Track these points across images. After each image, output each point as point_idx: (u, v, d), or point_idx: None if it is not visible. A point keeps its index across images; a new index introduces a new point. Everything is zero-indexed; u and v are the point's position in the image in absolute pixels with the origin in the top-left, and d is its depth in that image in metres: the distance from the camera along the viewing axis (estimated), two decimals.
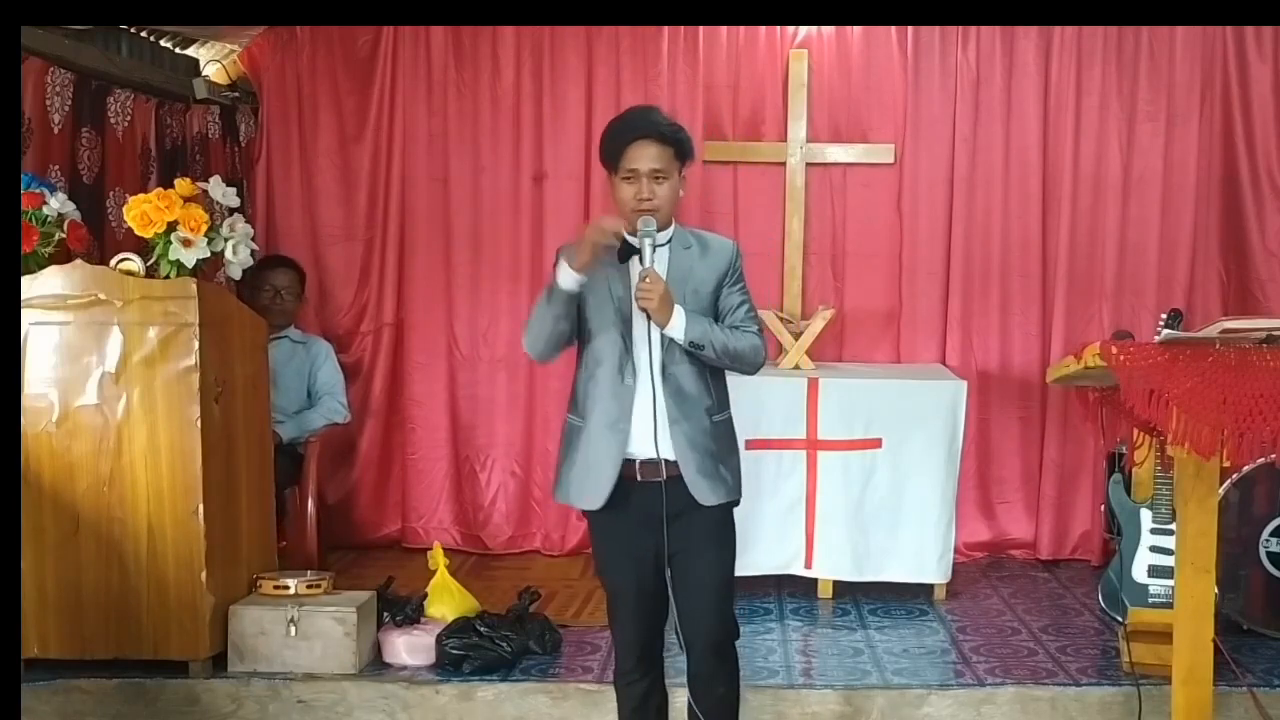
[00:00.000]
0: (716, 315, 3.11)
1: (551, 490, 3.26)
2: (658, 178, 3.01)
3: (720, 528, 3.12)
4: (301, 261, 5.52)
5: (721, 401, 3.15)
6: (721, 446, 3.11)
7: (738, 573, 4.78)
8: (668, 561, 3.03)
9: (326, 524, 5.10)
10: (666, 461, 3.03)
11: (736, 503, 3.15)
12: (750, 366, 3.11)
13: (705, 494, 3.05)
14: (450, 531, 5.59)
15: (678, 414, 3.03)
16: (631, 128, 3.05)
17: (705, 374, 3.09)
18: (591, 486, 3.11)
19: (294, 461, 4.87)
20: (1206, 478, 3.12)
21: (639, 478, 3.05)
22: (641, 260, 2.96)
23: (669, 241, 3.10)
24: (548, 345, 3.11)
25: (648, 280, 2.94)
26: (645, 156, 3.01)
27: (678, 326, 2.98)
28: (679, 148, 3.05)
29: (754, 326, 3.14)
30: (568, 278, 3.00)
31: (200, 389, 3.83)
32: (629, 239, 3.01)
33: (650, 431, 3.01)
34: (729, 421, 3.17)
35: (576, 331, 3.12)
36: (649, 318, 2.97)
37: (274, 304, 4.94)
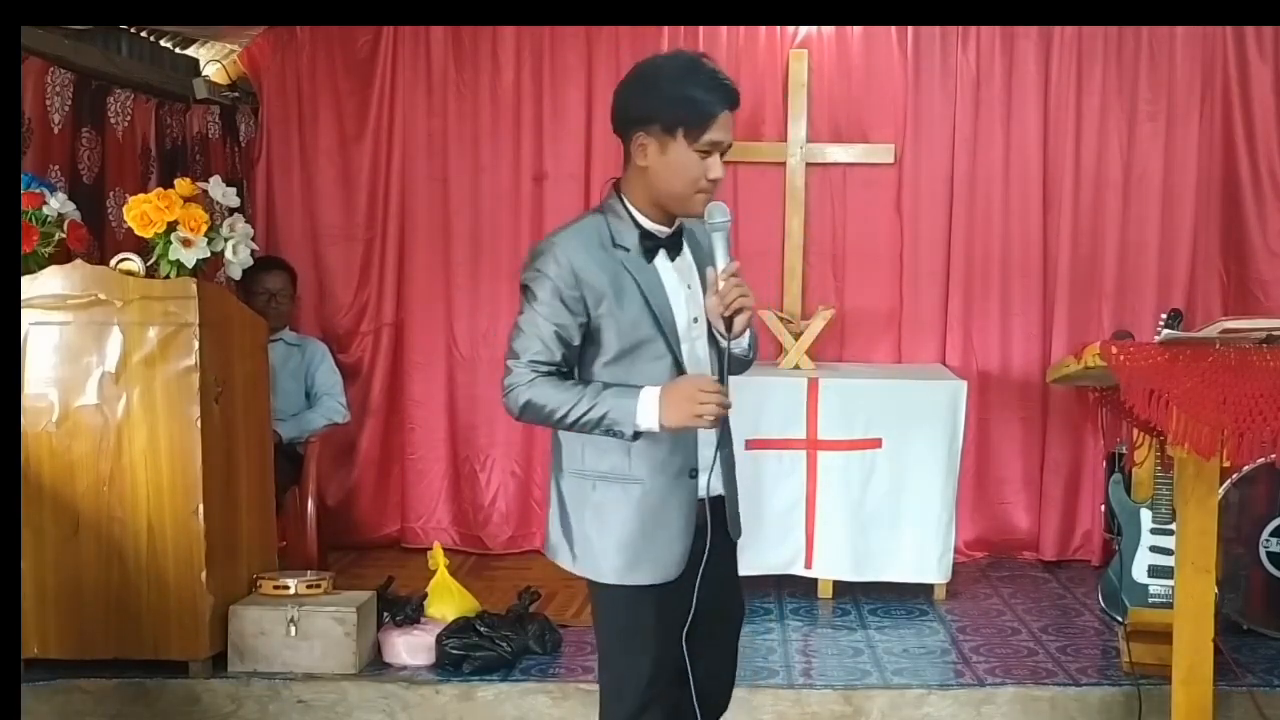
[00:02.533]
0: None
1: (601, 573, 2.53)
2: (725, 153, 2.44)
3: (735, 565, 2.71)
4: (301, 261, 5.52)
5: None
6: (733, 469, 2.66)
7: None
8: (695, 611, 2.46)
9: (326, 524, 5.10)
10: (714, 499, 2.54)
11: None
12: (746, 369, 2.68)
13: (735, 527, 2.64)
14: (449, 531, 5.60)
15: (723, 438, 2.52)
16: (724, 90, 2.40)
17: None
18: (667, 555, 2.48)
19: (294, 462, 4.87)
20: (1206, 478, 3.12)
21: (710, 523, 2.48)
22: (719, 259, 2.43)
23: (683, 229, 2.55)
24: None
25: (737, 281, 2.39)
26: (727, 130, 2.40)
27: (746, 334, 2.47)
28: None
29: None
30: (647, 423, 2.38)
31: (200, 389, 3.83)
32: (651, 228, 2.49)
33: (709, 468, 2.49)
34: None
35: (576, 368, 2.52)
36: (723, 331, 2.41)
37: (269, 307, 4.92)
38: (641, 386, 2.40)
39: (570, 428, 2.44)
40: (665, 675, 2.52)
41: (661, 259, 2.49)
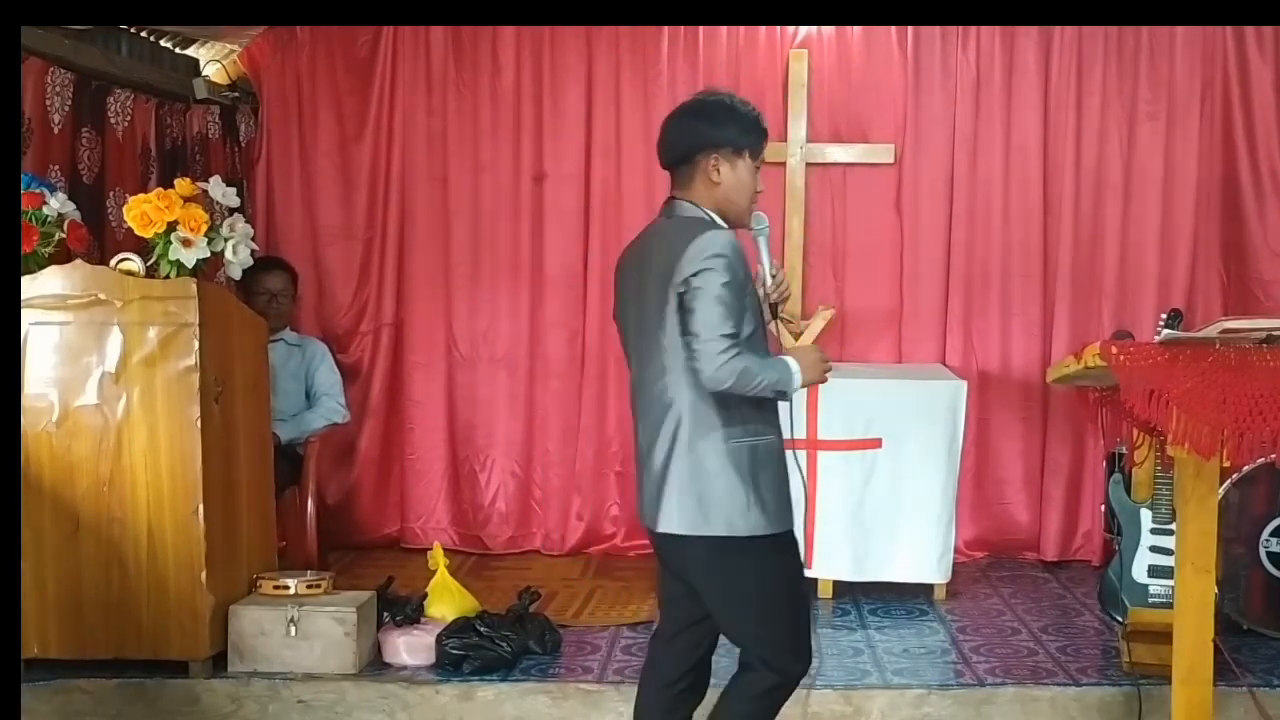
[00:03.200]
0: None
1: (758, 526, 2.83)
2: None
3: None
4: (301, 261, 5.52)
5: None
6: None
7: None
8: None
9: (326, 524, 5.10)
10: None
11: None
12: None
13: None
14: (448, 532, 5.59)
15: None
16: (763, 124, 3.00)
17: None
18: (790, 502, 2.93)
19: (293, 462, 4.87)
20: (1206, 478, 3.12)
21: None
22: (765, 258, 2.99)
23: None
24: None
25: (784, 273, 3.03)
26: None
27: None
28: None
29: None
30: (797, 384, 2.85)
31: (200, 389, 3.83)
32: (721, 224, 2.91)
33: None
34: None
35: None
36: (774, 310, 2.99)
37: (270, 308, 4.91)
38: (772, 356, 2.88)
39: (759, 391, 2.78)
40: (807, 599, 3.10)
41: (765, 247, 3.02)
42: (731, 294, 2.75)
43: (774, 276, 2.98)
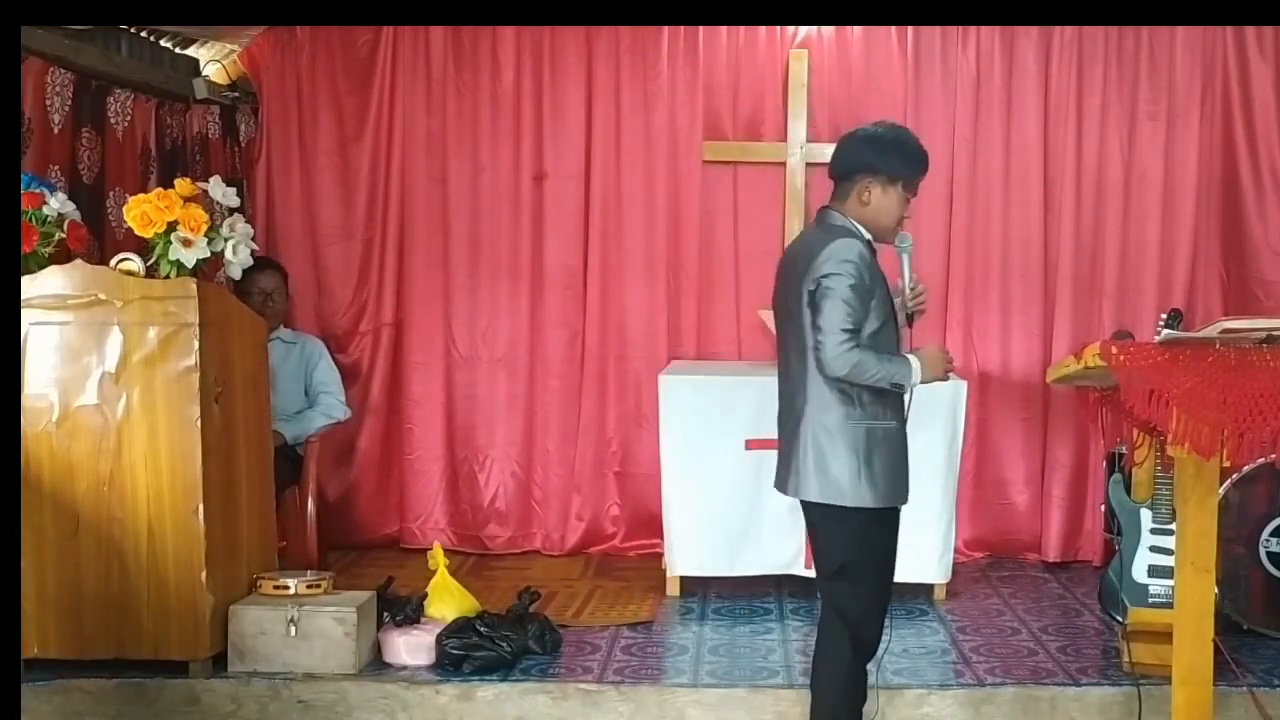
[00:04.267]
0: None
1: (865, 499, 3.23)
2: None
3: None
4: (301, 261, 5.54)
5: None
6: None
7: (738, 572, 4.81)
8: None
9: (326, 524, 5.10)
10: None
11: None
12: None
13: None
14: (446, 532, 5.58)
15: None
16: (925, 159, 3.34)
17: None
18: (906, 480, 3.31)
19: (294, 462, 4.87)
20: (1206, 478, 3.12)
21: None
22: (906, 272, 3.35)
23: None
24: None
25: (922, 286, 3.36)
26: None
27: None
28: None
29: None
30: (915, 380, 3.22)
31: (200, 389, 3.83)
32: (869, 238, 3.29)
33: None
34: None
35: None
36: (912, 320, 3.34)
37: (265, 307, 4.89)
38: (894, 355, 3.24)
39: (874, 382, 3.18)
40: (892, 579, 3.41)
41: (908, 262, 3.36)
42: (855, 296, 3.16)
43: (913, 289, 3.34)
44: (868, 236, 3.29)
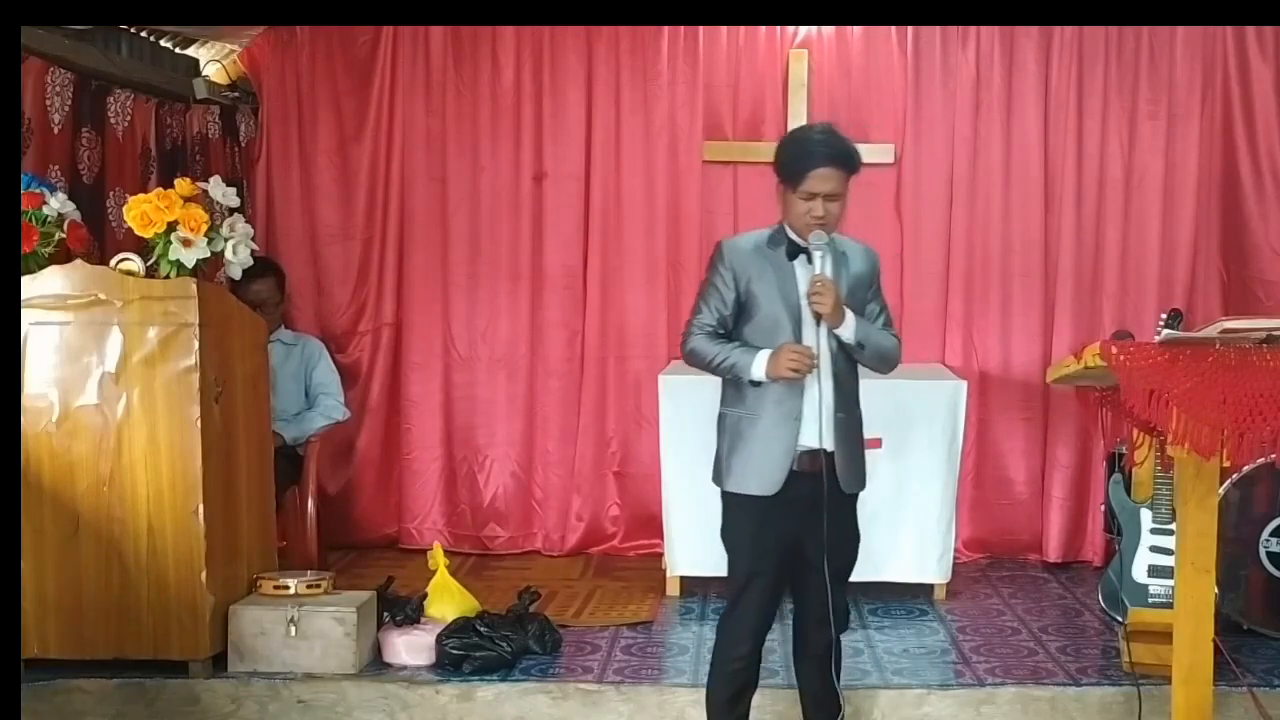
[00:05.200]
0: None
1: (718, 479, 3.35)
2: (831, 198, 3.20)
3: (853, 519, 3.38)
4: (300, 261, 5.54)
5: (859, 398, 3.38)
6: (860, 439, 3.37)
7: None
8: (811, 547, 3.23)
9: (326, 524, 5.10)
10: (826, 452, 3.24)
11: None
12: (890, 367, 3.40)
13: (850, 483, 3.29)
14: (445, 533, 5.57)
15: (839, 405, 3.26)
16: (812, 155, 3.20)
17: (855, 371, 3.32)
18: (767, 475, 3.24)
19: (294, 462, 4.87)
20: (1206, 478, 3.12)
21: (800, 468, 3.23)
22: (814, 267, 3.19)
23: (829, 244, 3.26)
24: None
25: (821, 285, 3.16)
26: (825, 181, 3.18)
27: (849, 327, 3.21)
28: (852, 168, 3.23)
29: (894, 330, 3.44)
30: (758, 375, 3.20)
31: (200, 389, 3.83)
32: (795, 239, 3.23)
33: (816, 422, 3.22)
34: (862, 416, 3.40)
35: (734, 332, 3.33)
36: (818, 319, 3.18)
37: (262, 312, 4.85)
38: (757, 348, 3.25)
39: (714, 371, 3.30)
40: (771, 581, 3.30)
41: (800, 262, 3.23)
42: (710, 290, 3.32)
43: (810, 289, 3.20)
44: (791, 236, 3.28)
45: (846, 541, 3.35)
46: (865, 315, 3.33)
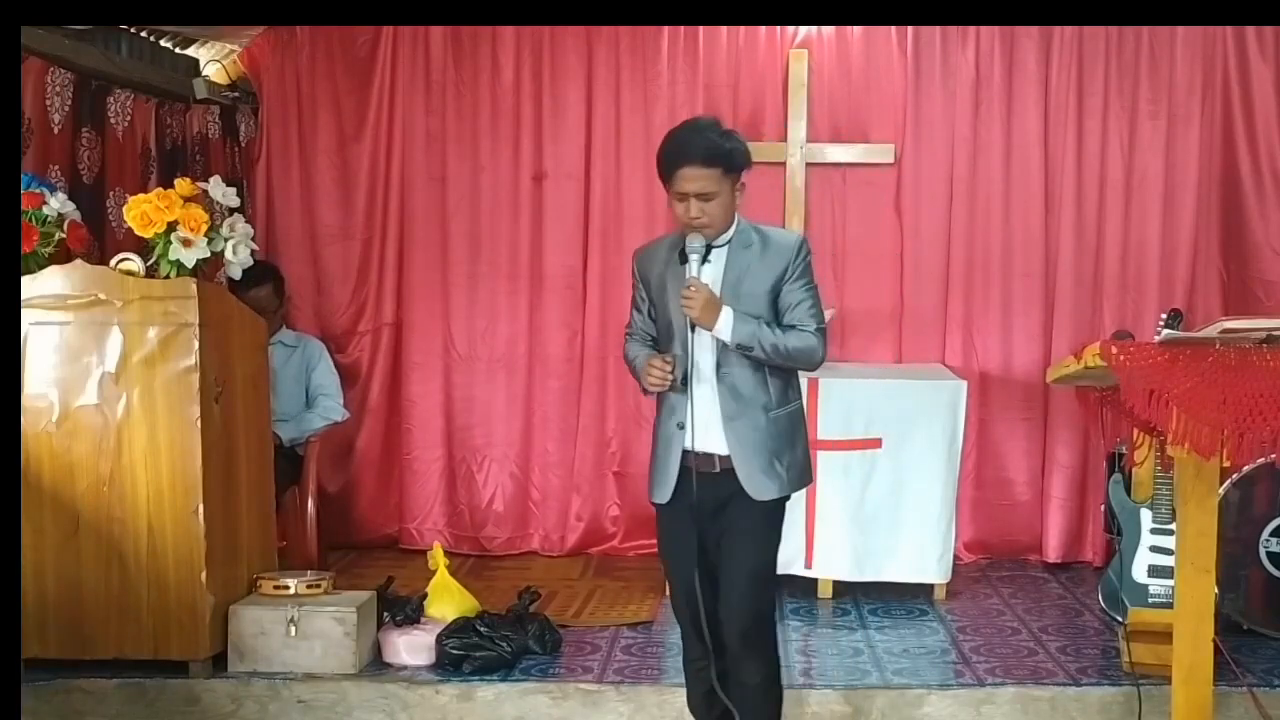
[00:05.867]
0: (778, 312, 3.16)
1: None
2: (705, 197, 3.07)
3: (762, 521, 3.20)
4: (300, 261, 5.54)
5: (783, 397, 3.21)
6: (780, 441, 3.19)
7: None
8: (714, 549, 3.19)
9: (326, 524, 5.10)
10: (720, 456, 3.16)
11: (788, 496, 3.25)
12: (806, 365, 3.22)
13: (757, 488, 3.15)
14: (445, 533, 5.57)
15: (734, 411, 3.15)
16: (677, 153, 3.08)
17: (763, 371, 3.16)
18: (661, 481, 3.23)
19: (294, 462, 4.87)
20: (1206, 478, 3.12)
21: (695, 470, 3.16)
22: (689, 272, 3.09)
23: (729, 242, 3.17)
24: None
25: (691, 289, 3.06)
26: (691, 180, 3.06)
27: (724, 329, 3.08)
28: (726, 164, 3.08)
29: (812, 325, 3.17)
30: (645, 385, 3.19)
31: (200, 389, 3.83)
32: (691, 243, 3.12)
33: (704, 429, 3.13)
34: (792, 415, 3.24)
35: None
36: (692, 324, 3.09)
37: (262, 316, 4.82)
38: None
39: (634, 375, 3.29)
40: (687, 582, 3.19)
41: (694, 265, 3.10)
42: (635, 296, 3.35)
43: (682, 293, 3.10)
44: (689, 236, 3.16)
45: (750, 546, 3.19)
46: (782, 305, 3.17)
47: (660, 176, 3.14)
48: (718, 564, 3.20)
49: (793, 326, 3.15)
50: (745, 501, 3.16)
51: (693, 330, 3.11)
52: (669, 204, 3.16)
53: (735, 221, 3.18)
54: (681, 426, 3.16)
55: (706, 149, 3.07)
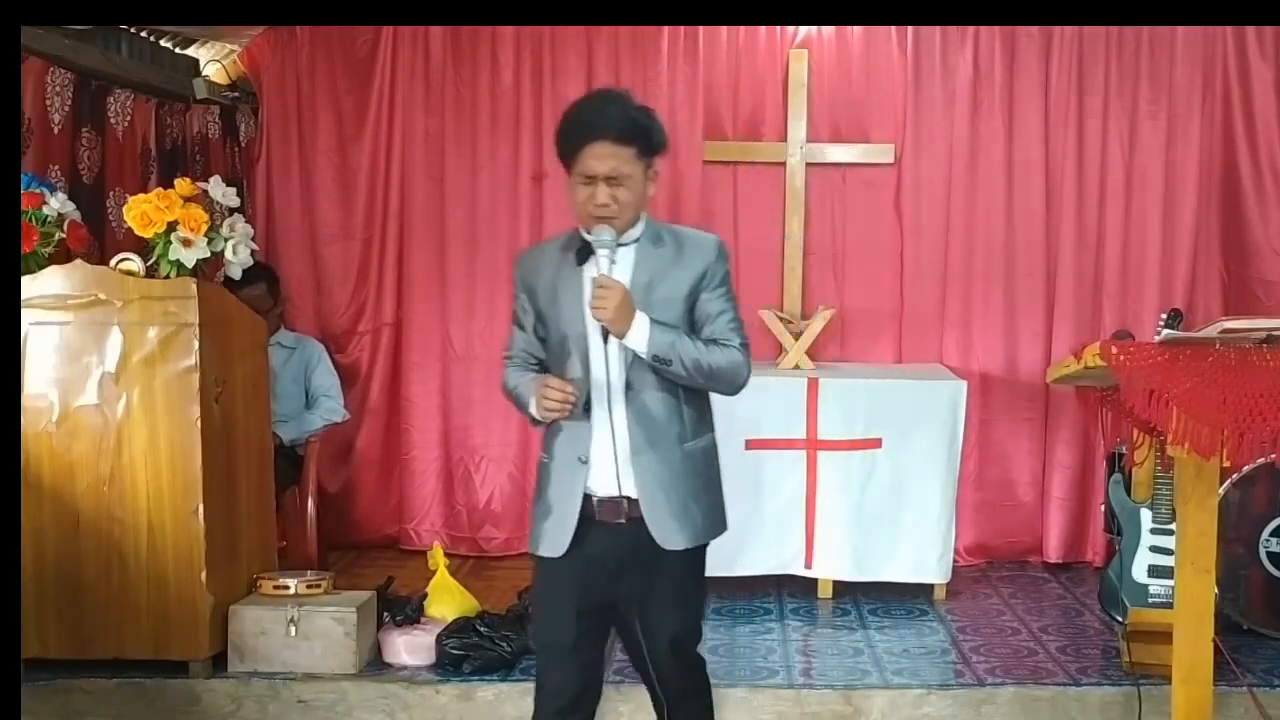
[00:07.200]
0: (693, 324, 2.72)
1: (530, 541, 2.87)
2: (616, 182, 2.63)
3: (682, 581, 2.78)
4: (300, 261, 5.54)
5: (697, 426, 2.76)
6: (695, 480, 2.74)
7: (738, 572, 4.80)
8: (625, 609, 2.76)
9: (326, 524, 5.10)
10: (628, 500, 2.69)
11: (706, 545, 2.81)
12: (729, 386, 2.73)
13: (669, 537, 2.70)
14: (443, 534, 5.56)
15: (642, 443, 2.68)
16: (586, 126, 2.63)
17: (677, 394, 2.71)
18: (555, 531, 2.72)
19: (293, 462, 4.87)
20: (1206, 478, 3.12)
21: (597, 518, 2.70)
22: (598, 269, 2.65)
23: (636, 240, 2.73)
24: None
25: (600, 286, 2.58)
26: (601, 159, 2.61)
27: (639, 337, 2.61)
28: (643, 143, 2.65)
29: (736, 340, 2.72)
30: (535, 413, 2.74)
31: (200, 389, 3.83)
32: (587, 237, 2.69)
33: (611, 465, 2.65)
34: (708, 449, 2.80)
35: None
36: (605, 331, 2.61)
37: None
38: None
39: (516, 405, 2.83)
40: (567, 655, 2.74)
41: (590, 265, 2.67)
42: (516, 310, 2.86)
43: (592, 295, 2.62)
44: (585, 235, 2.71)
45: (670, 612, 2.77)
46: (699, 317, 2.71)
47: (561, 155, 2.67)
48: (630, 622, 2.78)
49: (714, 341, 2.69)
50: (661, 558, 2.70)
51: (605, 340, 2.62)
52: (568, 190, 2.70)
53: (642, 218, 2.74)
54: (584, 460, 2.68)
55: (623, 122, 2.63)
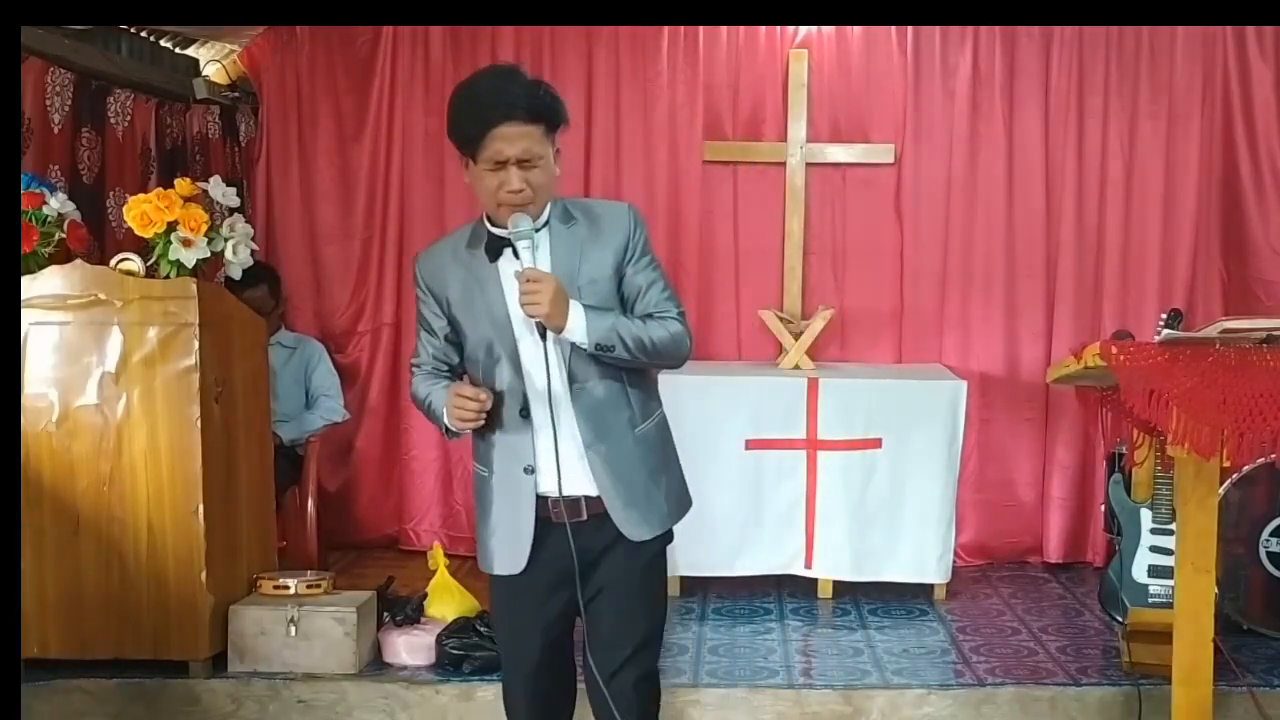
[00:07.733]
0: (623, 301, 2.59)
1: (480, 559, 2.75)
2: (529, 164, 2.48)
3: (648, 574, 2.69)
4: (300, 261, 5.54)
5: (645, 406, 2.64)
6: (652, 463, 2.64)
7: (738, 572, 4.80)
8: (584, 609, 2.64)
9: (326, 524, 5.10)
10: (587, 498, 2.59)
11: (671, 537, 2.72)
12: (674, 360, 2.61)
13: (636, 528, 2.61)
14: (441, 534, 5.54)
15: (593, 436, 2.56)
16: (490, 107, 2.46)
17: (622, 379, 2.58)
18: (509, 547, 2.62)
19: (293, 462, 4.87)
20: (1206, 478, 3.12)
21: (554, 520, 2.55)
22: (521, 261, 2.49)
23: (547, 223, 2.56)
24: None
25: (529, 280, 2.41)
26: (512, 142, 2.46)
27: (578, 328, 2.46)
28: (550, 120, 2.50)
29: (673, 309, 2.59)
30: (451, 425, 2.60)
31: (200, 389, 3.83)
32: (496, 232, 2.54)
33: (563, 466, 2.52)
34: (660, 426, 2.69)
35: (460, 366, 2.71)
36: (541, 327, 2.45)
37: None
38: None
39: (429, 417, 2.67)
40: (534, 671, 2.72)
41: (506, 260, 2.54)
42: (423, 315, 2.69)
43: (521, 289, 2.45)
44: (491, 228, 2.57)
45: (638, 607, 2.67)
46: (628, 292, 2.57)
47: (462, 142, 2.53)
48: (592, 624, 2.70)
49: (650, 315, 2.55)
50: (627, 551, 2.61)
51: (543, 336, 2.46)
52: (470, 180, 2.57)
53: (550, 198, 2.57)
54: (531, 470, 2.54)
55: (529, 99, 2.46)
